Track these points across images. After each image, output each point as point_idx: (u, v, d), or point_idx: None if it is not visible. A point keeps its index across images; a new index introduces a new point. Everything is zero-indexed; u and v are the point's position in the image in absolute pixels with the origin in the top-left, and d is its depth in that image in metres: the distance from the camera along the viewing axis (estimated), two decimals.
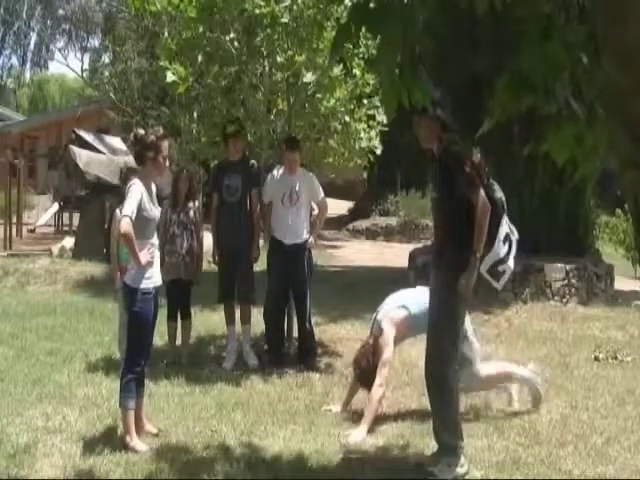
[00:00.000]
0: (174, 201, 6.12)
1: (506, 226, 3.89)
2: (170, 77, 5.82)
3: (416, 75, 2.42)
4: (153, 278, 4.22)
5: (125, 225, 4.00)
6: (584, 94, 2.43)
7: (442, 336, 3.86)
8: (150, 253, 4.18)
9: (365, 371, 4.63)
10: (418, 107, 2.95)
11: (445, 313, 3.86)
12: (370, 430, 4.40)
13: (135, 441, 4.12)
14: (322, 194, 6.17)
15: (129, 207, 4.04)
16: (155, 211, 4.27)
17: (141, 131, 4.36)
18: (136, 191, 4.11)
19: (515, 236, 3.93)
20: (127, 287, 4.21)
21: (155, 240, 4.32)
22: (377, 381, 4.48)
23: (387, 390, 4.96)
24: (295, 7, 5.74)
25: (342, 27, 2.53)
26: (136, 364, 4.20)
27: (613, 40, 2.13)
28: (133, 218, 4.02)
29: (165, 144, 4.25)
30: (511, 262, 3.91)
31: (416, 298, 4.67)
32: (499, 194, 3.91)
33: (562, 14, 2.42)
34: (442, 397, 3.90)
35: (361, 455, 4.10)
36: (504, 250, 3.87)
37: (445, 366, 3.86)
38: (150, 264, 4.18)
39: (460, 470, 3.79)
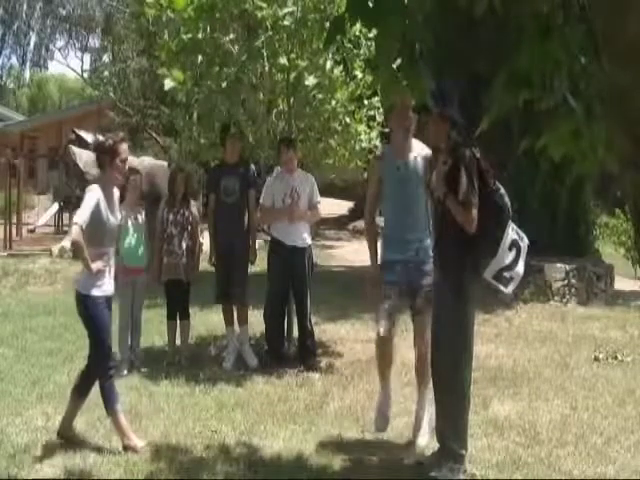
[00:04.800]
0: (171, 201, 6.11)
1: (513, 233, 3.77)
2: (168, 84, 5.80)
3: (416, 71, 2.41)
4: (104, 287, 4.13)
5: (75, 234, 3.91)
6: (582, 92, 2.43)
7: (453, 345, 3.74)
8: (104, 261, 4.10)
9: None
10: (424, 106, 2.91)
11: (452, 321, 3.74)
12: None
13: (132, 440, 4.12)
14: (319, 198, 6.16)
15: (82, 215, 3.93)
16: (114, 219, 4.17)
17: (101, 137, 4.31)
18: (91, 198, 4.01)
19: (524, 242, 3.80)
20: (77, 293, 4.14)
21: (112, 249, 4.24)
22: None
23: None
24: (297, 10, 5.73)
25: (336, 19, 2.54)
26: (107, 367, 4.16)
27: (612, 39, 2.13)
28: (84, 226, 3.91)
29: (123, 147, 4.17)
30: (520, 268, 3.80)
31: None
32: (505, 200, 3.77)
33: (561, 13, 2.41)
34: (456, 405, 3.81)
35: (360, 455, 4.10)
36: (510, 257, 3.75)
37: (459, 375, 3.78)
38: (102, 273, 4.09)
39: (462, 476, 3.77)
